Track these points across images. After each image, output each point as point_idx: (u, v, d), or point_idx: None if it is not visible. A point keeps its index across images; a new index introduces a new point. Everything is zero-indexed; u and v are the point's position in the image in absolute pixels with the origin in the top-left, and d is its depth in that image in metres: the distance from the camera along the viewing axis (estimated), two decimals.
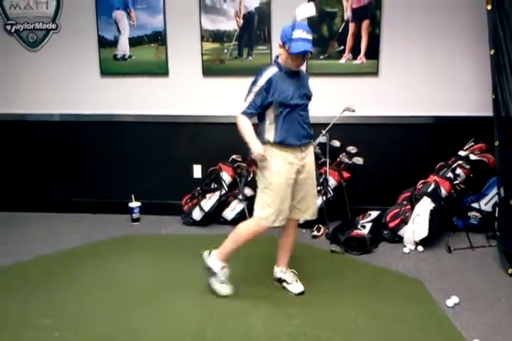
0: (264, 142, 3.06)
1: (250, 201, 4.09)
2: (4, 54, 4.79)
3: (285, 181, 3.07)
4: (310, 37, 2.97)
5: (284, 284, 3.35)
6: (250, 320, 2.94)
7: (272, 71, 3.03)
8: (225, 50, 4.56)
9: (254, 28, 4.50)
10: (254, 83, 3.04)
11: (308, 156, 3.20)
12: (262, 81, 3.01)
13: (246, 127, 3.04)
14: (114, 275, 3.61)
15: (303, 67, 4.39)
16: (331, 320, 2.97)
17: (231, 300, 3.20)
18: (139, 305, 3.17)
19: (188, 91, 4.70)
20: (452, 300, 3.13)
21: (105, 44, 4.66)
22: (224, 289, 3.23)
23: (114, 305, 3.18)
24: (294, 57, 2.97)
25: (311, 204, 3.30)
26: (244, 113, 3.05)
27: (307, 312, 3.06)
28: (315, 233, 4.31)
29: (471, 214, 4.29)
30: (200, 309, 3.11)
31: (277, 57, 3.09)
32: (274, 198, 3.08)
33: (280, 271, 3.39)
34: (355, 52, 4.44)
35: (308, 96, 3.17)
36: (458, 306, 3.11)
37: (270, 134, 3.08)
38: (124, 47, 4.66)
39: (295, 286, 3.31)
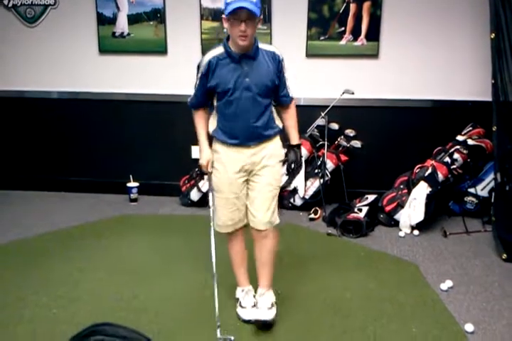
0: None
1: None
2: (1, 29, 4.73)
3: (228, 181, 2.69)
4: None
5: (254, 307, 2.83)
6: None
7: (214, 52, 2.56)
8: (225, 29, 4.49)
9: None
10: (197, 70, 2.63)
11: (261, 152, 2.68)
12: (201, 65, 2.58)
13: (196, 124, 2.77)
14: (112, 255, 3.64)
15: (294, 48, 4.41)
16: (325, 301, 3.00)
17: (227, 280, 3.23)
18: (137, 283, 3.20)
19: (186, 70, 4.60)
20: (446, 284, 3.16)
21: (104, 21, 4.60)
22: (241, 313, 2.81)
23: (111, 283, 3.21)
24: (232, 23, 2.42)
25: (262, 211, 2.70)
26: (190, 105, 2.74)
27: (301, 293, 3.09)
28: (312, 216, 4.33)
29: (468, 199, 4.30)
30: (197, 288, 3.14)
31: (227, 37, 2.56)
32: (220, 200, 2.75)
33: (258, 293, 2.86)
34: (355, 33, 4.39)
35: (258, 89, 2.57)
36: (452, 290, 3.15)
37: (212, 126, 2.73)
38: (122, 25, 4.60)
39: (259, 312, 2.73)
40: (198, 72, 2.62)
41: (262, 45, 2.61)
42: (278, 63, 2.62)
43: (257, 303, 2.80)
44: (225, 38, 2.57)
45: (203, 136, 2.76)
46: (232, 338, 2.55)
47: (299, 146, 2.81)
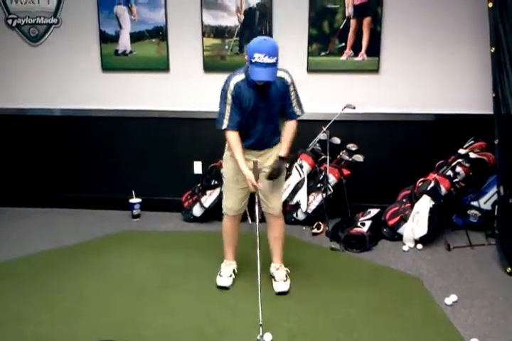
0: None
1: (250, 197, 4.08)
2: (5, 48, 4.77)
3: (236, 174, 3.17)
4: (272, 60, 2.82)
5: (272, 280, 3.37)
6: (248, 315, 2.94)
7: (238, 78, 3.00)
8: (226, 46, 4.55)
9: (256, 24, 4.49)
10: (224, 94, 3.01)
11: (266, 154, 3.23)
12: (230, 90, 2.98)
13: (235, 147, 3.06)
14: (114, 271, 3.63)
15: (303, 67, 4.45)
16: (329, 316, 2.99)
17: (229, 294, 3.23)
18: (139, 300, 3.19)
19: (188, 87, 4.69)
20: (451, 298, 3.14)
21: (106, 39, 4.65)
22: (218, 280, 3.37)
23: (114, 300, 3.20)
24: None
25: (274, 203, 3.31)
26: (229, 128, 3.05)
27: (305, 308, 3.08)
28: (315, 230, 4.32)
29: (471, 212, 4.29)
30: (200, 304, 3.13)
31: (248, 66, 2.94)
32: (228, 189, 3.31)
33: (273, 267, 3.43)
34: (356, 49, 4.42)
35: (271, 110, 3.08)
36: (456, 304, 3.13)
37: None
38: (125, 43, 4.64)
39: (278, 285, 3.31)
40: (226, 96, 3.01)
41: None
42: (286, 87, 3.05)
43: (274, 277, 3.36)
44: (246, 67, 2.95)
45: (243, 159, 3.07)
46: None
47: (284, 159, 3.18)
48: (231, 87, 2.98)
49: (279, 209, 3.36)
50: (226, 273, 3.39)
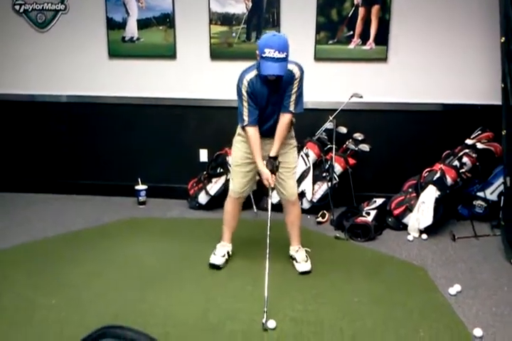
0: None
1: (259, 187, 4.09)
2: (13, 34, 4.77)
3: (243, 158, 3.31)
4: (282, 55, 2.90)
5: (294, 262, 3.48)
6: (253, 303, 2.97)
7: (251, 74, 3.08)
8: (233, 34, 4.53)
9: (263, 11, 4.46)
10: (239, 92, 3.10)
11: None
12: (244, 87, 3.07)
13: (254, 144, 3.16)
14: (120, 257, 3.65)
15: (312, 56, 4.43)
16: (333, 305, 3.00)
17: (234, 283, 3.24)
18: (145, 286, 3.22)
19: (195, 74, 4.68)
20: (455, 288, 3.15)
21: (113, 26, 4.63)
22: (211, 259, 3.48)
23: (120, 286, 3.22)
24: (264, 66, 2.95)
25: (289, 190, 3.38)
26: (249, 124, 3.14)
27: (310, 297, 3.09)
28: (319, 219, 4.33)
29: (477, 203, 4.29)
30: (204, 291, 3.16)
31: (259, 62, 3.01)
32: (235, 172, 3.39)
33: (293, 250, 3.54)
34: (364, 37, 4.39)
35: (281, 103, 3.15)
36: (460, 294, 3.13)
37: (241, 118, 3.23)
38: (132, 30, 4.62)
39: (301, 265, 3.43)
40: (241, 93, 3.09)
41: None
42: (292, 79, 3.10)
43: (296, 258, 3.47)
44: (257, 62, 3.03)
45: (260, 157, 3.18)
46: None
47: (275, 158, 3.23)
48: (245, 83, 3.06)
49: (295, 195, 3.43)
50: (220, 253, 3.50)
